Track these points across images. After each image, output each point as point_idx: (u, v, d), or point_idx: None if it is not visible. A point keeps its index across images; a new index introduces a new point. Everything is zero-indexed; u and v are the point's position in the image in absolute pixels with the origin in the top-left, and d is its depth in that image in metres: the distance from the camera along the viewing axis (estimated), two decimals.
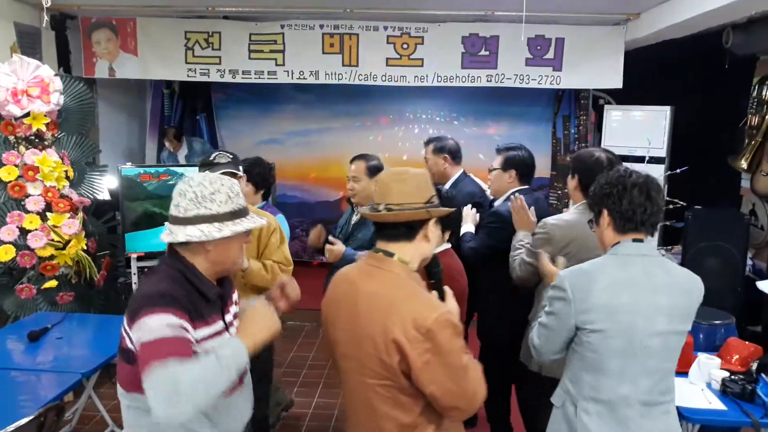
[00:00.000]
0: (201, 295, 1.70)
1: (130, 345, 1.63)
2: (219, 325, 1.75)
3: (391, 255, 1.67)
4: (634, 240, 1.90)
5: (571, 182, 2.66)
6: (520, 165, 3.10)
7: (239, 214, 1.72)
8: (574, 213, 2.64)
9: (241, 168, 2.82)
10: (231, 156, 2.79)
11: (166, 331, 1.53)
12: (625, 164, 2.17)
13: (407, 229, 1.68)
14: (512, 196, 2.92)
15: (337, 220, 3.48)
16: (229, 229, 1.67)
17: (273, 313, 1.80)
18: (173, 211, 1.69)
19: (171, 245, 1.72)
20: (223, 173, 2.39)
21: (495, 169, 3.14)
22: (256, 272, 2.76)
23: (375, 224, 1.73)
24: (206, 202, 1.66)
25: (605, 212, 1.94)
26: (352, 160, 3.25)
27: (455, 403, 1.60)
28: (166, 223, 1.72)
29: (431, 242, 1.73)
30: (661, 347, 1.87)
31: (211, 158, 2.73)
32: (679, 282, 1.91)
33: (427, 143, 3.75)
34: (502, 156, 3.13)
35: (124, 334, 1.67)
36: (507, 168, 3.09)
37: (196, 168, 4.35)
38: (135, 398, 1.67)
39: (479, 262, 2.99)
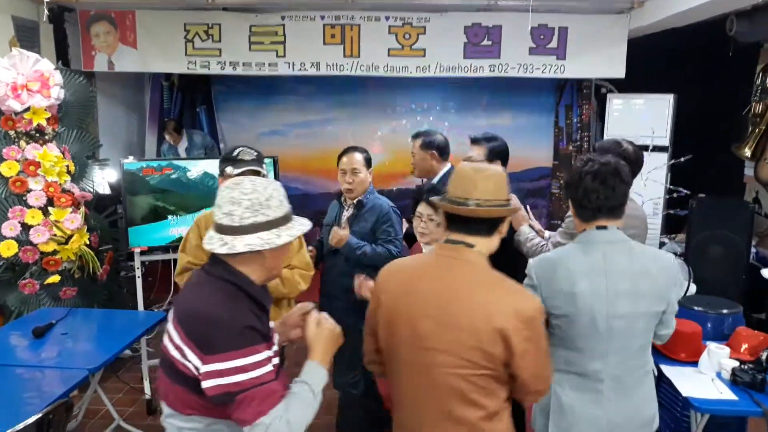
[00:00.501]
0: (258, 306, 1.65)
1: (195, 373, 1.53)
2: (275, 338, 1.73)
3: (471, 246, 1.69)
4: (598, 227, 1.98)
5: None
6: (504, 155, 3.18)
7: (289, 217, 1.69)
8: None
9: (264, 166, 2.62)
10: (255, 153, 2.62)
11: (263, 373, 1.52)
12: None
13: (490, 225, 1.70)
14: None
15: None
16: (286, 234, 1.64)
17: (333, 323, 1.78)
18: (224, 220, 1.60)
19: (215, 255, 1.63)
20: (247, 170, 2.43)
21: (478, 160, 3.07)
22: (273, 287, 2.46)
23: (453, 216, 1.71)
24: (263, 209, 1.61)
25: (570, 202, 2.05)
26: (345, 153, 3.15)
27: (540, 387, 1.70)
28: (213, 233, 1.63)
29: (500, 238, 1.76)
30: (625, 328, 1.94)
31: (234, 154, 2.58)
32: (643, 266, 1.96)
33: (415, 137, 3.53)
34: (485, 147, 3.16)
35: (181, 358, 1.56)
36: (493, 159, 3.11)
37: (199, 162, 4.40)
38: (194, 420, 1.61)
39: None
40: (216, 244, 1.60)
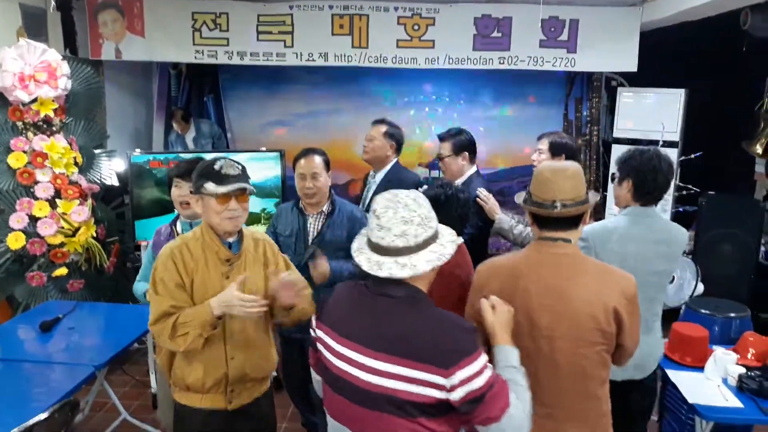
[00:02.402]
0: None
1: (437, 393, 1.49)
2: None
3: (568, 241, 1.87)
4: (642, 205, 2.46)
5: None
6: (469, 147, 3.34)
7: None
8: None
9: (250, 180, 2.22)
10: (240, 167, 2.16)
11: (491, 370, 1.54)
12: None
13: (577, 219, 1.88)
14: (477, 191, 3.12)
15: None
16: (448, 242, 1.62)
17: (507, 305, 1.81)
18: (399, 242, 1.54)
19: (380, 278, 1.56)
20: (237, 190, 2.09)
21: (447, 155, 3.31)
22: (301, 311, 2.25)
23: (542, 217, 1.86)
24: (429, 222, 1.59)
25: (630, 182, 2.42)
26: (303, 156, 3.00)
27: (634, 349, 1.92)
28: (380, 258, 1.56)
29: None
30: (656, 282, 2.45)
31: (216, 168, 2.09)
32: (670, 234, 2.50)
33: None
34: (450, 142, 3.32)
35: (413, 386, 1.50)
36: (458, 152, 3.31)
37: (206, 155, 4.33)
38: None
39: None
40: (394, 268, 1.54)
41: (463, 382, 1.47)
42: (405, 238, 1.55)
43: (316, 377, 1.85)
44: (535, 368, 1.79)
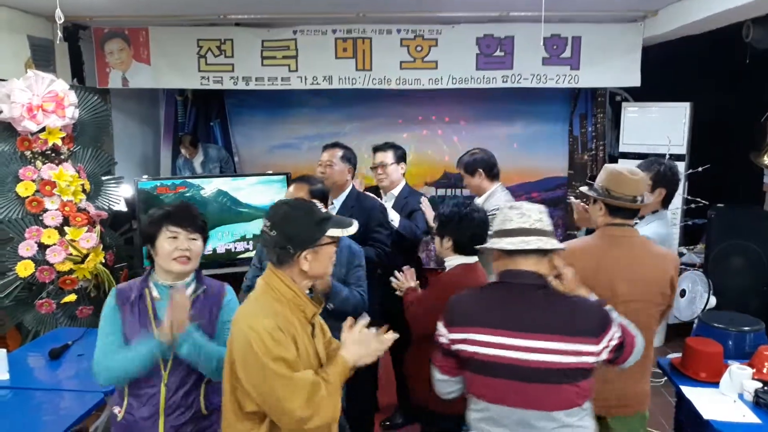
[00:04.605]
0: None
1: (591, 360, 1.82)
2: None
3: (632, 226, 2.41)
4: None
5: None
6: (405, 158, 3.69)
7: None
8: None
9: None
10: None
11: (616, 324, 1.91)
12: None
13: (637, 211, 2.44)
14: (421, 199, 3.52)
15: None
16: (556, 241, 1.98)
17: None
18: (538, 225, 1.89)
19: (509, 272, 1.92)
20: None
21: (389, 163, 3.63)
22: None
23: (618, 207, 2.34)
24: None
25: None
26: (294, 182, 2.86)
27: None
28: (529, 238, 1.86)
29: None
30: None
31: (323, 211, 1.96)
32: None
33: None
34: (392, 152, 3.64)
35: (573, 358, 1.80)
36: (399, 162, 3.65)
37: (213, 180, 4.39)
38: (578, 412, 1.87)
39: None
40: (540, 243, 1.86)
41: (609, 341, 1.85)
42: (542, 222, 1.90)
43: (440, 377, 2.05)
44: None
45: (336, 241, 1.90)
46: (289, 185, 2.84)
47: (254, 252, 2.88)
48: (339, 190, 3.34)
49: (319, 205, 1.98)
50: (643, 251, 2.34)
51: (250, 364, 1.72)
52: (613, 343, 1.85)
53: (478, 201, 3.44)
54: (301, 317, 1.86)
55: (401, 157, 3.64)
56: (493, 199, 3.38)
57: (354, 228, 1.91)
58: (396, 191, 3.64)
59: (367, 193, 3.66)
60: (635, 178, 2.34)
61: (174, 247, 2.15)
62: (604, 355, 1.84)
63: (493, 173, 3.47)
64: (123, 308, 2.21)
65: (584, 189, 2.50)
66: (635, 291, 2.26)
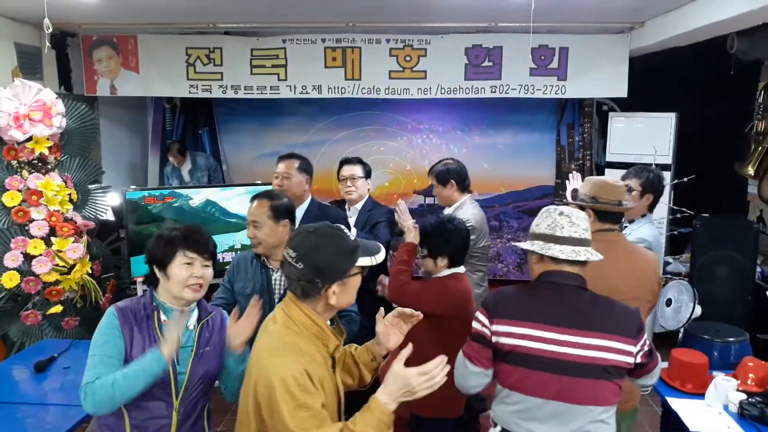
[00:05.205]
0: None
1: (628, 359, 1.90)
2: None
3: (620, 231, 2.62)
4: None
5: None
6: (370, 174, 3.63)
7: None
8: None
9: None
10: None
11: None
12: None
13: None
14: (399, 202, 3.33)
15: None
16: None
17: None
18: (586, 235, 1.98)
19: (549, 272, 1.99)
20: None
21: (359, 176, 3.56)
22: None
23: (605, 213, 2.49)
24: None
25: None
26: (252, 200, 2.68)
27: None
28: (577, 248, 1.93)
29: None
30: None
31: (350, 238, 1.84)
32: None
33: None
34: (360, 166, 3.56)
35: (612, 355, 1.88)
36: (366, 177, 3.58)
37: (201, 190, 4.37)
38: (611, 408, 1.95)
39: None
40: (589, 255, 1.94)
41: (644, 345, 1.94)
42: (588, 232, 1.99)
43: (473, 369, 2.01)
44: None
45: (365, 270, 1.79)
46: (252, 200, 2.68)
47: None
48: (298, 201, 3.23)
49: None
50: (633, 252, 2.55)
51: (276, 411, 1.61)
52: (647, 348, 1.95)
53: (447, 211, 3.50)
54: (323, 351, 1.75)
55: (368, 173, 3.60)
56: (462, 210, 3.44)
57: (382, 254, 1.81)
58: (359, 205, 3.56)
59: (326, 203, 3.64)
60: (618, 184, 2.55)
61: (189, 274, 2.00)
62: (639, 358, 1.92)
63: (464, 185, 3.54)
64: (127, 328, 2.00)
65: (570, 200, 2.66)
66: (633, 287, 2.42)
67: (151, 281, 2.09)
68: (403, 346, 1.75)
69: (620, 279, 2.36)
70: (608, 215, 2.50)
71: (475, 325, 2.03)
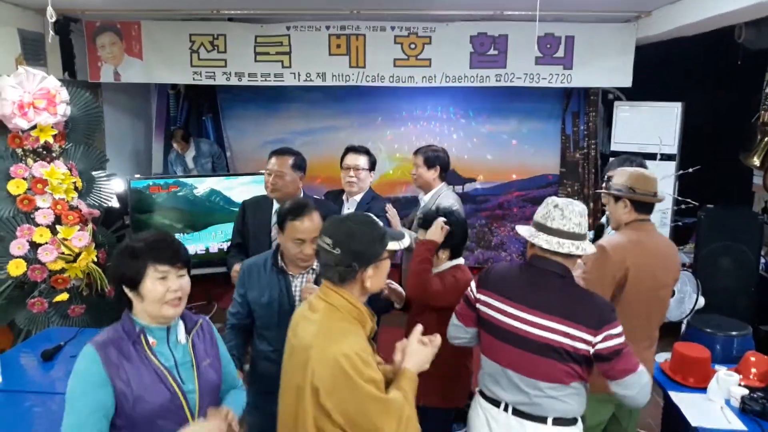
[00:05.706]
0: None
1: (586, 347, 2.02)
2: None
3: (651, 221, 2.67)
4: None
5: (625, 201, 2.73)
6: (375, 165, 3.61)
7: None
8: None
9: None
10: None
11: (624, 337, 2.05)
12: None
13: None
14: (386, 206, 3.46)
15: None
16: (588, 242, 2.18)
17: None
18: (576, 229, 2.08)
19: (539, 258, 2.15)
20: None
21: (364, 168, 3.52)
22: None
23: (643, 204, 2.59)
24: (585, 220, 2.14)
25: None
26: (300, 217, 2.46)
27: None
28: (561, 240, 2.06)
29: None
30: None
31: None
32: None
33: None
34: (366, 156, 3.54)
35: (568, 341, 2.02)
36: (371, 169, 3.56)
37: (205, 179, 4.37)
38: (572, 387, 2.09)
39: None
40: (572, 248, 2.07)
41: (606, 339, 2.01)
42: (580, 227, 2.09)
43: (455, 322, 2.36)
44: (649, 312, 2.57)
45: (393, 254, 1.97)
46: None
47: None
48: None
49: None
50: (663, 240, 2.72)
51: (342, 389, 1.70)
52: (611, 343, 2.01)
53: (425, 198, 3.60)
54: (363, 334, 1.86)
55: (373, 164, 3.56)
56: (442, 197, 3.50)
57: (407, 239, 2.07)
58: (358, 197, 3.50)
59: (316, 196, 3.51)
60: (654, 176, 2.65)
61: (166, 289, 1.80)
62: (602, 347, 2.01)
63: (445, 174, 3.64)
64: (114, 368, 1.78)
65: (605, 191, 2.77)
66: (668, 276, 2.62)
67: (125, 303, 1.87)
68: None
69: (658, 269, 2.55)
70: (644, 206, 2.61)
71: (467, 289, 2.35)
